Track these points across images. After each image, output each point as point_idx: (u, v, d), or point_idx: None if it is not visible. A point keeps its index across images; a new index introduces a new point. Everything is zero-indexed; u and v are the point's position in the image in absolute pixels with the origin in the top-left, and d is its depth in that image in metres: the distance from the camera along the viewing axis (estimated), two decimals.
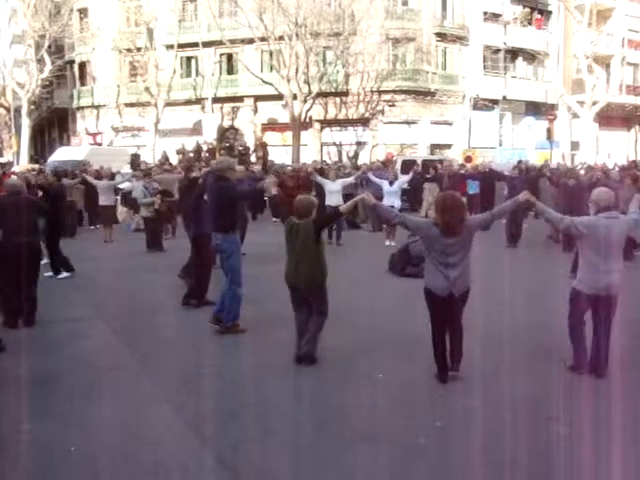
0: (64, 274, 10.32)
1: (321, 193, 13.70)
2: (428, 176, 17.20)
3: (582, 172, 16.64)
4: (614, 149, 33.68)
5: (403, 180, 14.65)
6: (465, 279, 5.37)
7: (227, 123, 34.91)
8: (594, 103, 30.41)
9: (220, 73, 35.12)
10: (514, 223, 13.27)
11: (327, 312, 6.02)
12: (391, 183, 13.87)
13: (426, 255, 5.50)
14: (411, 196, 19.28)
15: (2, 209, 7.49)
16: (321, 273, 5.93)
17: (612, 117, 34.70)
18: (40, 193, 10.85)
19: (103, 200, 14.81)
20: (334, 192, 13.49)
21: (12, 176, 13.33)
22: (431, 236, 5.30)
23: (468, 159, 25.40)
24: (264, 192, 7.18)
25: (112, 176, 16.84)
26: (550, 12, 36.30)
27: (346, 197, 13.59)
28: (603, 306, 5.49)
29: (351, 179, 14.92)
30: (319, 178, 14.34)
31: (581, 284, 5.53)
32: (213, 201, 7.20)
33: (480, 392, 5.26)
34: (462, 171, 19.21)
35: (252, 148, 28.77)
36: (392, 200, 13.36)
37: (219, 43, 33.17)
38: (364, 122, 33.39)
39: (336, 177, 14.50)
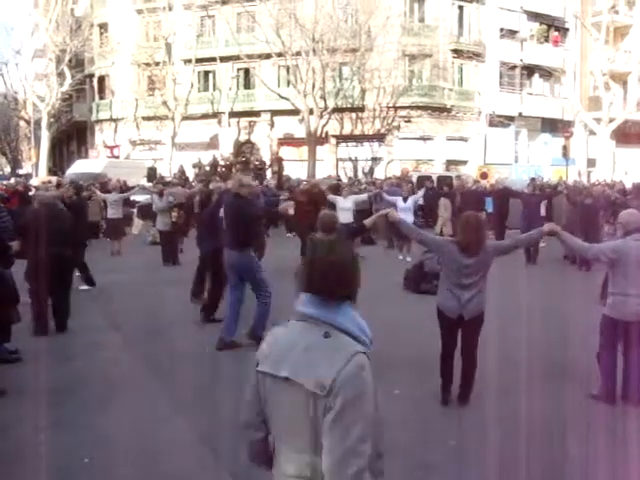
0: (85, 287, 10.46)
1: (332, 210, 13.74)
2: (443, 191, 17.21)
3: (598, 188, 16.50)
4: (631, 167, 33.45)
5: (417, 196, 14.63)
6: (478, 303, 5.29)
7: (243, 137, 35.14)
8: (611, 120, 30.29)
9: (237, 88, 35.42)
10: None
11: None
12: (405, 199, 13.89)
13: (442, 274, 5.48)
14: (426, 212, 19.28)
15: (35, 220, 7.70)
16: None
17: (629, 134, 34.50)
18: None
19: (111, 213, 14.79)
20: (345, 209, 13.49)
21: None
22: (449, 255, 5.28)
23: (484, 175, 25.36)
24: (279, 214, 7.38)
25: (124, 189, 16.99)
26: (567, 29, 36.31)
27: (358, 214, 13.63)
28: (634, 332, 5.29)
29: (364, 196, 14.96)
30: (331, 196, 14.41)
31: (610, 309, 5.37)
32: (229, 219, 7.22)
33: (495, 411, 5.22)
34: (474, 187, 19.19)
35: (268, 163, 28.90)
36: (405, 216, 13.33)
37: (236, 58, 33.49)
38: (380, 138, 33.46)
39: (350, 193, 14.56)
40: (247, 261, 7.00)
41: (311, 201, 14.58)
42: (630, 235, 5.30)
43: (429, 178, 21.14)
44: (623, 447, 4.54)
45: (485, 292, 5.37)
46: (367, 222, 6.45)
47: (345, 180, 24.89)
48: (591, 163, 33.82)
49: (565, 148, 30.12)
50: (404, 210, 13.70)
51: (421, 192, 14.96)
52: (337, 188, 16.00)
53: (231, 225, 7.11)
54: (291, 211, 6.78)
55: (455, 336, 5.45)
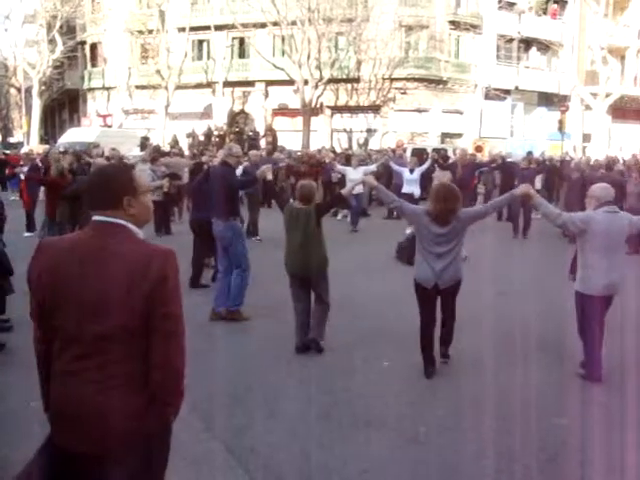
0: None
1: (342, 181, 13.95)
2: (444, 163, 17.13)
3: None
4: (627, 142, 33.37)
5: (422, 168, 14.63)
6: (453, 272, 5.31)
7: (238, 107, 34.83)
8: (607, 95, 30.11)
9: (232, 57, 35.01)
10: (523, 213, 13.25)
11: (328, 301, 6.04)
12: (411, 171, 13.99)
13: (417, 244, 5.49)
14: (423, 186, 19.21)
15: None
16: (322, 259, 5.98)
17: (626, 110, 34.35)
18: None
19: None
20: (355, 180, 13.49)
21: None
22: (423, 224, 5.32)
23: (478, 149, 25.28)
24: (257, 180, 7.46)
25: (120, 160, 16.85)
26: (566, 2, 35.84)
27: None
28: (601, 307, 5.32)
29: (373, 167, 14.97)
30: (340, 167, 14.53)
31: (582, 285, 5.34)
32: (215, 187, 7.20)
33: (483, 382, 5.27)
34: (476, 160, 19.07)
35: (262, 133, 28.68)
36: (412, 188, 13.55)
37: (231, 27, 33.04)
38: (375, 109, 33.24)
39: (358, 165, 14.62)
40: (230, 231, 6.99)
41: (311, 171, 14.62)
42: (601, 208, 5.28)
43: (425, 150, 21.06)
44: (608, 418, 4.60)
45: (460, 259, 5.42)
46: (344, 192, 6.48)
47: (339, 151, 24.76)
48: (586, 138, 33.71)
49: (561, 122, 29.98)
50: (410, 181, 13.81)
51: (427, 163, 14.94)
52: (348, 159, 16.09)
53: (217, 194, 7.09)
54: (269, 176, 6.80)
55: (433, 308, 5.47)
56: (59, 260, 2.22)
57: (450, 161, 17.46)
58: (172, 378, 2.25)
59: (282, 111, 34.16)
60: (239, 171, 9.68)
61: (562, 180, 14.00)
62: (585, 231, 5.22)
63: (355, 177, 13.56)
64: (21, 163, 16.03)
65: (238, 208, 7.29)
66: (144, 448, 2.24)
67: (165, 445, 2.40)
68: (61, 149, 19.20)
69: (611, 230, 5.20)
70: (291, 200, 6.40)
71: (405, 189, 13.69)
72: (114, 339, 2.15)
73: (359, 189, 12.62)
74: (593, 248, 5.22)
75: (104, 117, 37.92)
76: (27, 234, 12.35)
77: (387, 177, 16.74)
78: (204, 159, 10.99)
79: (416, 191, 13.52)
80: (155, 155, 14.76)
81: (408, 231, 12.93)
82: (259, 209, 13.13)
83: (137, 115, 36.97)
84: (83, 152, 16.89)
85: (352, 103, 33.26)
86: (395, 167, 14.80)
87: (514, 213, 13.63)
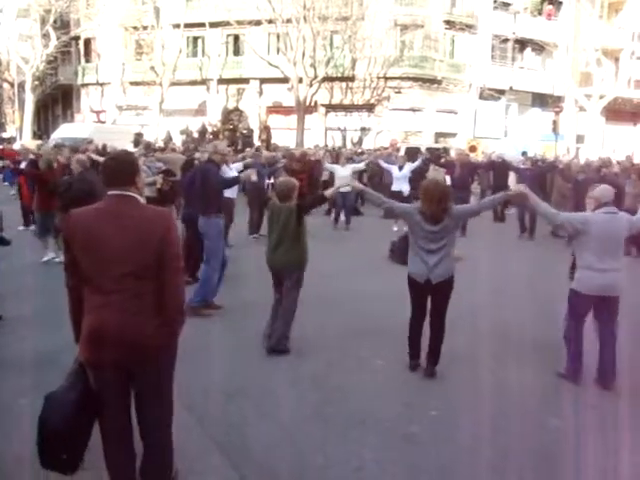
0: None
1: (332, 179, 13.95)
2: (440, 162, 17.12)
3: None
4: (620, 144, 33.46)
5: (412, 166, 14.61)
6: (445, 267, 5.31)
7: (232, 105, 34.73)
8: (601, 97, 30.19)
9: (226, 54, 34.92)
10: (528, 214, 13.28)
11: (297, 299, 5.92)
12: (400, 168, 13.98)
13: (410, 240, 5.52)
14: (414, 183, 19.18)
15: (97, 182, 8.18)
16: (300, 256, 5.87)
17: (619, 111, 34.44)
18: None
19: None
20: (344, 178, 13.47)
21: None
22: (415, 222, 5.35)
23: (472, 149, 25.30)
24: (240, 180, 7.56)
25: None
26: (561, 3, 35.88)
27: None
28: (603, 308, 5.31)
29: (361, 165, 15.01)
30: (328, 165, 14.54)
31: (578, 284, 5.33)
32: (199, 183, 7.25)
33: (478, 383, 5.27)
34: (473, 160, 19.05)
35: (257, 131, 28.63)
36: (401, 185, 13.56)
37: (226, 24, 32.95)
38: (369, 108, 33.23)
39: (347, 162, 14.64)
40: (210, 226, 7.08)
41: (305, 170, 14.58)
42: (600, 209, 5.27)
43: (419, 149, 21.06)
44: (601, 419, 4.60)
45: (452, 255, 5.41)
46: (328, 193, 6.37)
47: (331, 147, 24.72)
48: (580, 139, 33.80)
49: (555, 123, 30.06)
50: (400, 179, 13.81)
51: (418, 162, 14.90)
52: (337, 157, 16.10)
53: (200, 190, 7.15)
54: (254, 178, 6.88)
55: (424, 302, 5.48)
56: (88, 223, 2.98)
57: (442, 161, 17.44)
58: (179, 301, 3.16)
59: (276, 109, 34.10)
60: (238, 166, 10.22)
61: (566, 181, 13.96)
62: (583, 232, 5.21)
63: (344, 174, 13.57)
64: (20, 158, 15.89)
65: (220, 205, 7.32)
66: (157, 358, 3.07)
67: (172, 358, 3.23)
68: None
69: (609, 231, 5.19)
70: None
71: (394, 187, 13.73)
72: (137, 276, 2.94)
73: (347, 187, 12.63)
74: (591, 249, 5.20)
75: (97, 113, 37.74)
76: (21, 228, 12.32)
77: (380, 176, 16.72)
78: (196, 155, 10.99)
79: (405, 188, 13.54)
80: (150, 150, 14.69)
81: (395, 228, 12.98)
82: (258, 207, 12.93)
83: (131, 111, 36.82)
84: (84, 149, 16.77)
85: (346, 102, 33.24)
86: (384, 165, 14.86)
87: (520, 213, 13.72)
